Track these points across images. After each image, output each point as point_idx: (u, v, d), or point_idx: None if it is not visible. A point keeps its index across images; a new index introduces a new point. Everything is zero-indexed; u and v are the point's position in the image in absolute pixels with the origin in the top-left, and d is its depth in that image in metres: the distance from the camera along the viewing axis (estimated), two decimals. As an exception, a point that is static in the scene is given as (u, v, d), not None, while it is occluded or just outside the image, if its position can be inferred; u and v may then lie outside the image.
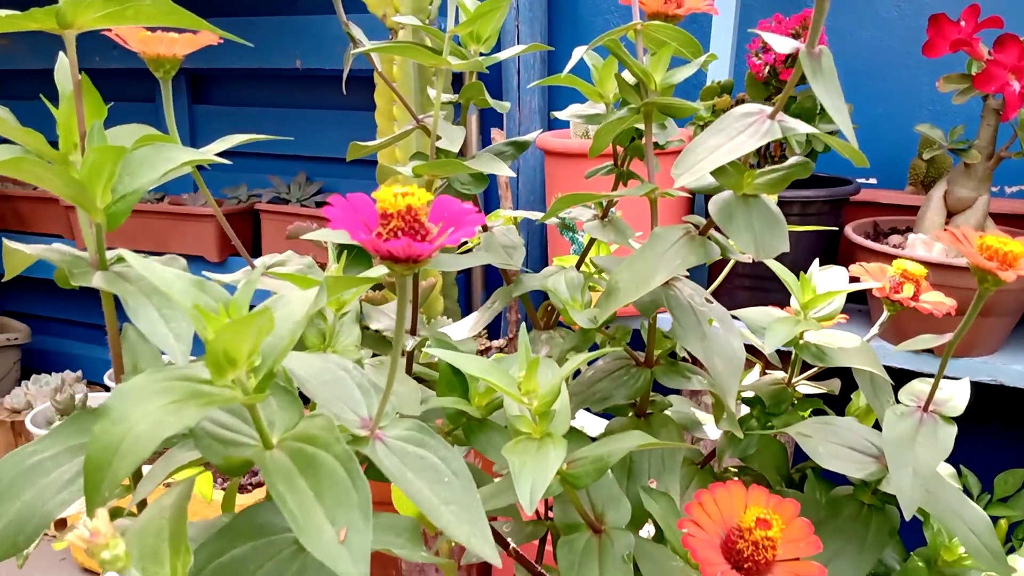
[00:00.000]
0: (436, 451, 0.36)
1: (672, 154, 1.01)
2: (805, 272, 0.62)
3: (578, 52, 0.60)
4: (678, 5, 0.58)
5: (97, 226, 0.41)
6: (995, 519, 0.98)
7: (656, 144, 0.61)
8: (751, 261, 0.56)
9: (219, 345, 0.29)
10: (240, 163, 1.93)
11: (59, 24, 0.40)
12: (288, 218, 1.74)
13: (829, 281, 0.63)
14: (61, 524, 1.51)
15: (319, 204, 1.80)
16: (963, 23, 0.98)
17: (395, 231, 0.33)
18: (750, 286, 1.17)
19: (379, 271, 0.36)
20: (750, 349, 0.64)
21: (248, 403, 0.31)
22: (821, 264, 0.65)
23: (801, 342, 0.61)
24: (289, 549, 0.35)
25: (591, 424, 0.87)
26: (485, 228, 0.69)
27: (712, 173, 0.49)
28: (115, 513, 0.47)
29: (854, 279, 0.63)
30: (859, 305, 1.22)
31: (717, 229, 0.54)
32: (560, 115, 0.69)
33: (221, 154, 0.52)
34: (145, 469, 0.44)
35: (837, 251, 1.22)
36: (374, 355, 0.62)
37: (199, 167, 0.50)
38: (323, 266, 0.60)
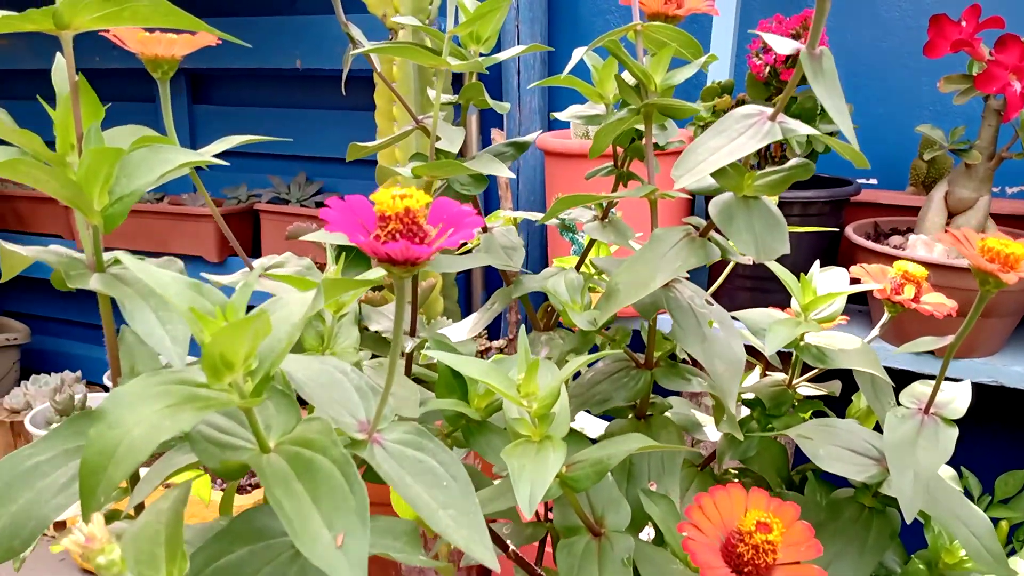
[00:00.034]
0: (435, 455, 0.36)
1: (672, 155, 1.01)
2: (806, 273, 0.62)
3: (578, 53, 0.60)
4: (678, 6, 0.58)
5: (94, 228, 0.41)
6: (996, 521, 0.98)
7: (656, 145, 0.61)
8: (751, 263, 0.56)
9: (215, 348, 0.29)
10: (240, 163, 1.93)
11: (56, 25, 0.40)
12: (288, 218, 1.73)
13: (830, 283, 0.63)
14: (60, 525, 1.51)
15: (319, 204, 1.80)
16: (964, 23, 0.98)
17: (393, 233, 0.33)
18: (750, 287, 1.17)
19: (377, 273, 0.36)
20: (751, 350, 0.64)
21: (245, 407, 0.31)
22: (822, 265, 0.65)
23: (802, 344, 0.61)
24: (287, 553, 0.35)
25: (591, 425, 0.87)
26: (485, 229, 0.69)
27: (712, 175, 0.49)
28: (112, 515, 0.47)
29: (855, 281, 0.63)
30: (860, 306, 1.22)
31: (717, 230, 0.54)
32: (560, 116, 0.69)
33: (220, 154, 0.52)
34: (143, 471, 0.44)
35: (838, 252, 1.22)
36: (373, 356, 0.62)
37: (198, 168, 0.50)
38: (323, 267, 0.60)
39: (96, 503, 0.29)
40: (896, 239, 1.15)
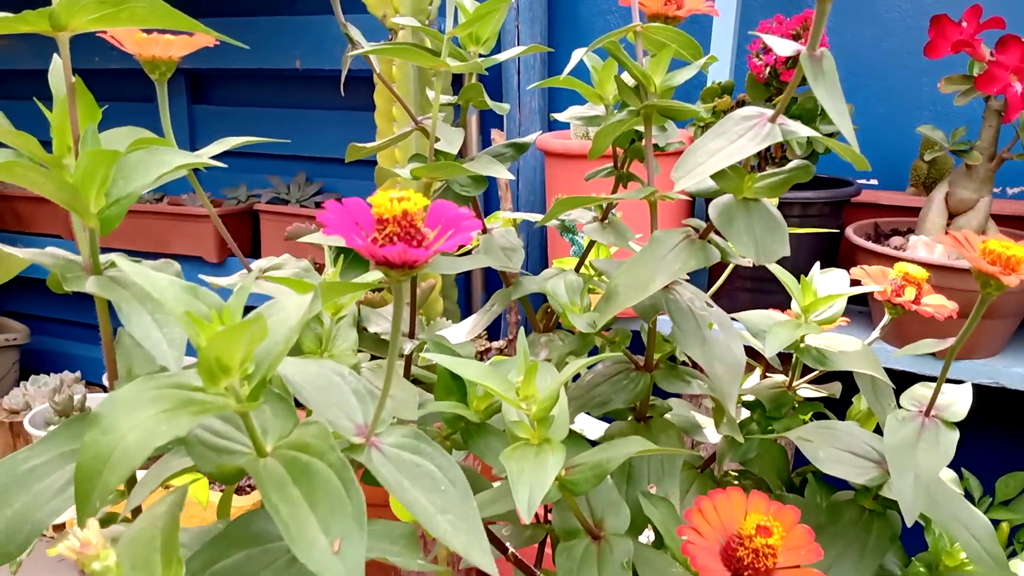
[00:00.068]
0: (433, 459, 0.36)
1: (673, 155, 1.01)
2: (806, 274, 0.62)
3: (577, 54, 0.60)
4: (678, 7, 0.58)
5: (91, 230, 0.41)
6: (996, 522, 0.98)
7: (656, 146, 0.61)
8: (751, 265, 0.56)
9: (212, 352, 0.29)
10: (239, 163, 1.93)
11: (52, 26, 0.40)
12: (287, 218, 1.73)
13: (830, 284, 0.63)
14: (61, 527, 1.51)
15: (319, 204, 1.79)
16: (965, 24, 0.98)
17: (391, 236, 0.33)
18: (751, 288, 1.16)
19: (375, 276, 0.36)
20: (751, 352, 0.64)
21: (241, 411, 0.31)
22: (822, 266, 0.64)
23: (802, 346, 0.61)
24: (284, 558, 0.35)
25: (591, 426, 0.87)
26: (484, 230, 0.69)
27: (712, 177, 0.48)
28: (110, 519, 0.46)
29: (855, 282, 0.62)
30: (860, 307, 1.22)
31: (717, 232, 0.53)
32: (559, 117, 0.69)
33: (219, 154, 0.52)
34: (140, 474, 0.43)
35: (838, 253, 1.22)
36: (372, 358, 0.62)
37: (197, 168, 0.50)
38: (322, 268, 0.60)
39: (91, 508, 0.29)
40: (896, 240, 1.15)
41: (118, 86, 1.93)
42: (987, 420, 1.33)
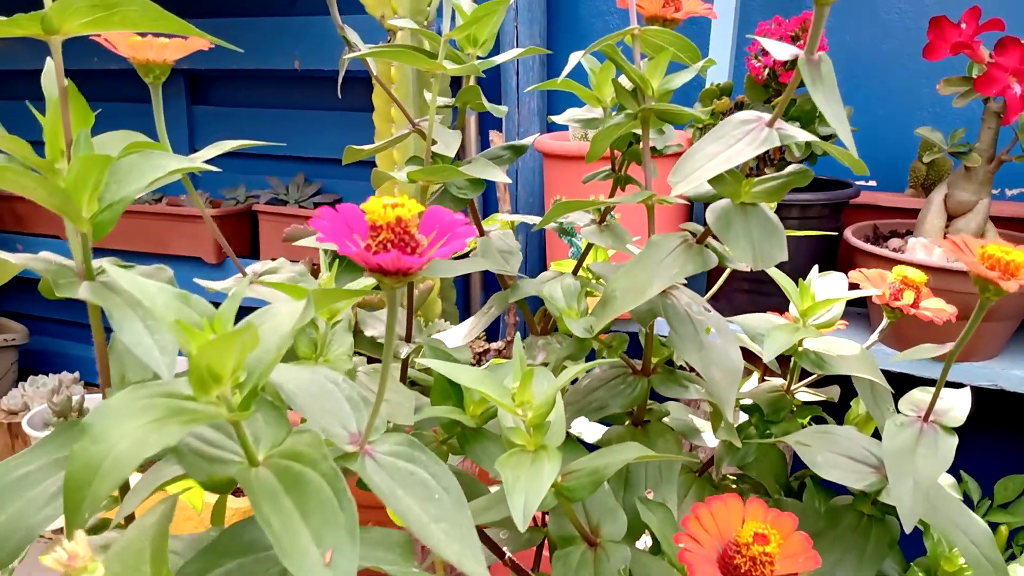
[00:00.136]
0: (427, 466, 0.36)
1: (671, 158, 1.00)
2: (805, 276, 0.62)
3: (575, 57, 0.60)
4: (676, 9, 0.58)
5: (83, 235, 0.40)
6: (995, 525, 0.97)
7: (654, 149, 0.60)
8: (749, 270, 0.55)
9: (202, 361, 0.29)
10: (238, 164, 1.92)
11: (44, 30, 0.40)
12: (286, 219, 1.73)
13: (828, 288, 0.63)
14: (61, 530, 1.50)
15: (317, 205, 1.79)
16: (964, 25, 0.97)
17: (384, 243, 0.32)
18: (749, 289, 1.16)
19: (367, 282, 0.35)
20: (749, 355, 0.63)
21: (233, 420, 0.31)
22: (821, 268, 0.64)
23: (800, 349, 0.61)
24: (277, 567, 0.34)
25: (588, 429, 0.86)
26: (482, 232, 0.69)
27: (710, 182, 0.48)
28: (103, 525, 0.46)
29: (854, 286, 0.62)
30: (859, 309, 1.21)
31: (715, 237, 0.53)
32: (557, 119, 0.68)
33: (219, 155, 0.51)
34: (136, 477, 0.43)
35: (836, 254, 1.21)
36: (369, 360, 0.62)
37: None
38: (320, 269, 0.59)
39: (81, 519, 0.28)
40: (895, 242, 1.15)
41: (118, 86, 1.93)
42: (986, 423, 1.32)
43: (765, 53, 1.10)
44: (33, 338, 2.28)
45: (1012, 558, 0.95)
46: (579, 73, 0.59)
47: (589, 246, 0.72)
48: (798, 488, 0.69)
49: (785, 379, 0.66)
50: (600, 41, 0.55)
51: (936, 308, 0.60)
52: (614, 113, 0.63)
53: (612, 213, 0.69)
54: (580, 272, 0.71)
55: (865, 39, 1.35)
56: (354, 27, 0.65)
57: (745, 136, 0.46)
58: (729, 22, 1.26)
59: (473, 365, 0.71)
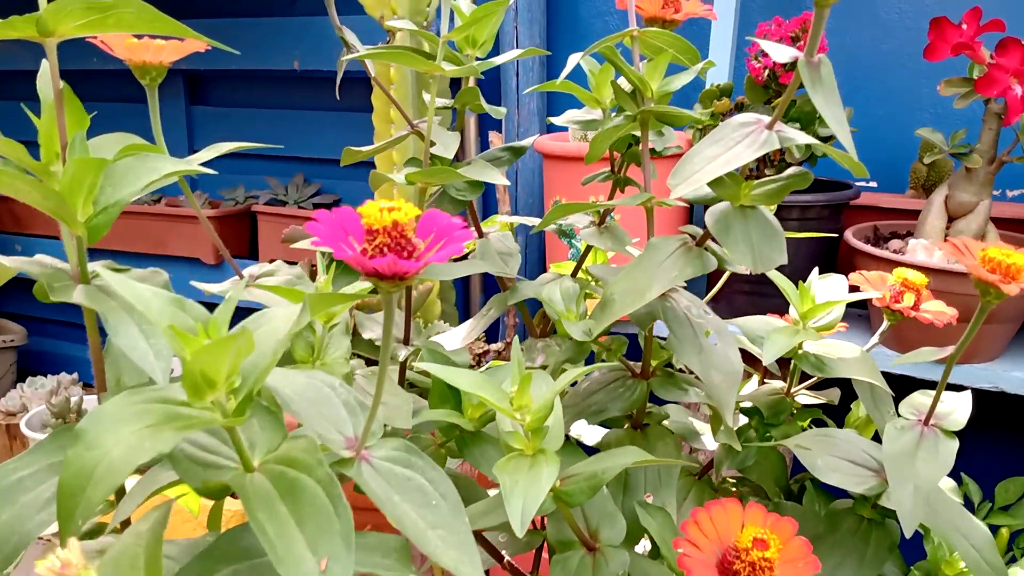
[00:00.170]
0: (424, 472, 0.36)
1: (671, 159, 1.00)
2: (805, 277, 0.61)
3: (574, 59, 0.59)
4: (675, 10, 0.57)
5: (78, 239, 0.40)
6: (996, 528, 0.97)
7: (653, 151, 0.60)
8: (749, 273, 0.55)
9: (197, 366, 0.29)
10: (237, 164, 1.92)
11: (39, 32, 0.39)
12: (285, 220, 1.72)
13: (828, 290, 0.62)
14: (57, 533, 1.50)
15: (317, 206, 1.79)
16: (965, 26, 0.97)
17: (381, 247, 0.32)
18: (749, 291, 1.16)
19: (363, 286, 0.35)
20: (748, 357, 0.63)
21: (228, 425, 0.30)
22: (821, 270, 0.64)
23: (800, 352, 0.60)
24: (273, 573, 0.34)
25: (588, 432, 0.86)
26: (481, 234, 0.69)
27: (709, 184, 0.48)
28: (98, 529, 0.46)
29: (854, 288, 0.62)
30: (859, 310, 1.21)
31: (714, 239, 0.53)
32: (556, 121, 0.68)
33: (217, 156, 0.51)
34: (132, 481, 0.43)
35: (836, 256, 1.21)
36: (368, 362, 0.61)
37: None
38: (317, 272, 0.59)
39: (74, 526, 0.28)
40: (896, 243, 1.14)
41: (118, 87, 1.93)
42: (986, 424, 1.32)
43: (765, 54, 1.10)
44: (32, 339, 2.28)
45: (1013, 561, 0.95)
46: (579, 74, 0.59)
47: (588, 248, 0.72)
48: (798, 491, 0.68)
49: (785, 382, 0.66)
50: (599, 43, 0.55)
51: (937, 310, 0.60)
52: (613, 115, 0.63)
53: (612, 215, 0.69)
54: (579, 274, 0.71)
55: (865, 40, 1.35)
56: (353, 28, 0.65)
57: (744, 139, 0.46)
58: (729, 23, 1.26)
59: (472, 366, 0.71)
